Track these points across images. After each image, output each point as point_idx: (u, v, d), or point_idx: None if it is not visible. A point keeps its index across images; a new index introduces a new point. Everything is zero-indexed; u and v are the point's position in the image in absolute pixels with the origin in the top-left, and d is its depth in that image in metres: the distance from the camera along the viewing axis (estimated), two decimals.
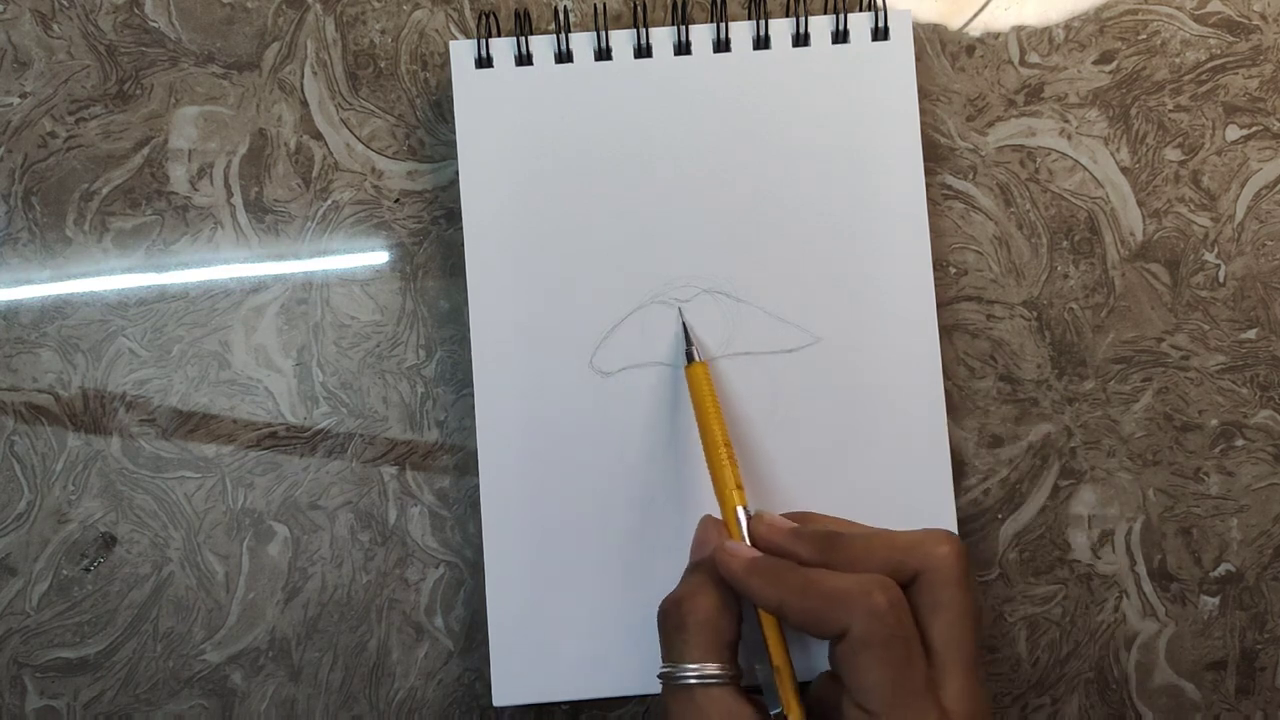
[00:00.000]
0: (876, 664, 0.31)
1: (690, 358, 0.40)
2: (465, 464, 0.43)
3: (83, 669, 0.43)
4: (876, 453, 0.41)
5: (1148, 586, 0.43)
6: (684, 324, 0.41)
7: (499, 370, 0.41)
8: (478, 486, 0.42)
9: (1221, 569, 0.43)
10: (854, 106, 0.42)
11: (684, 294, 0.42)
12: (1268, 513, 0.43)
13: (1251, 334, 0.44)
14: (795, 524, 0.36)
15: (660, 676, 0.35)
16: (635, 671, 0.41)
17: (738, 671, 0.34)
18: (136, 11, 0.44)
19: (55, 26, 0.44)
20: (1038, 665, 0.43)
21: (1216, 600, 0.43)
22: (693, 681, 0.34)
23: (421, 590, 0.43)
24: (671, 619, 0.35)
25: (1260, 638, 0.43)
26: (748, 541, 0.36)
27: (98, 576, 0.43)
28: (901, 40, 0.42)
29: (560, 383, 0.41)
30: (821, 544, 0.35)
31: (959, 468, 0.43)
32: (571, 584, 0.41)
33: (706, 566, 0.36)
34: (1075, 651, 0.43)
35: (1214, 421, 0.43)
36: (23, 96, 0.44)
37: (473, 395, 0.42)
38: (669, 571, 0.41)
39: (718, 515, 0.38)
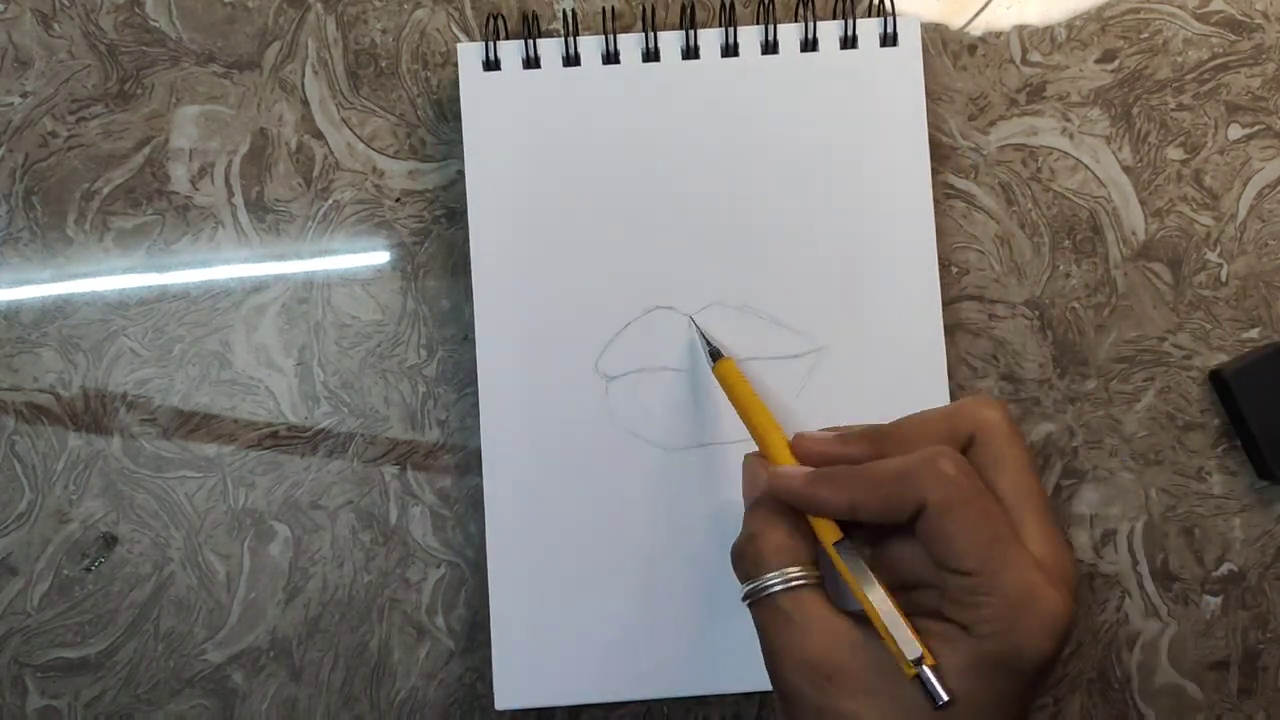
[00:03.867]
0: (963, 525, 0.31)
1: (716, 355, 0.40)
2: (466, 464, 0.43)
3: (84, 669, 0.43)
4: None
5: (1150, 586, 0.43)
6: (698, 328, 0.41)
7: (503, 372, 0.41)
8: (479, 486, 0.42)
9: (1224, 569, 0.43)
10: (861, 112, 0.42)
11: (691, 301, 0.42)
12: (1270, 512, 0.43)
13: (1254, 333, 0.43)
14: (836, 432, 0.36)
15: (745, 598, 0.34)
16: (639, 675, 0.41)
17: (821, 576, 0.34)
18: (137, 11, 0.44)
19: (56, 26, 0.44)
20: None
21: (1219, 600, 0.43)
22: (778, 588, 0.33)
23: (423, 590, 0.43)
24: (747, 555, 0.34)
25: (1263, 637, 0.43)
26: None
27: (99, 576, 0.43)
28: (910, 46, 0.42)
29: (565, 385, 0.41)
30: (870, 439, 0.34)
31: None
32: (574, 587, 0.41)
33: (766, 501, 0.35)
34: (1077, 651, 0.43)
35: (1216, 421, 0.43)
36: (24, 96, 0.44)
37: (474, 395, 0.42)
38: (672, 573, 0.41)
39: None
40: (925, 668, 0.30)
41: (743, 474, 0.37)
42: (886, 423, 0.35)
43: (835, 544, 0.34)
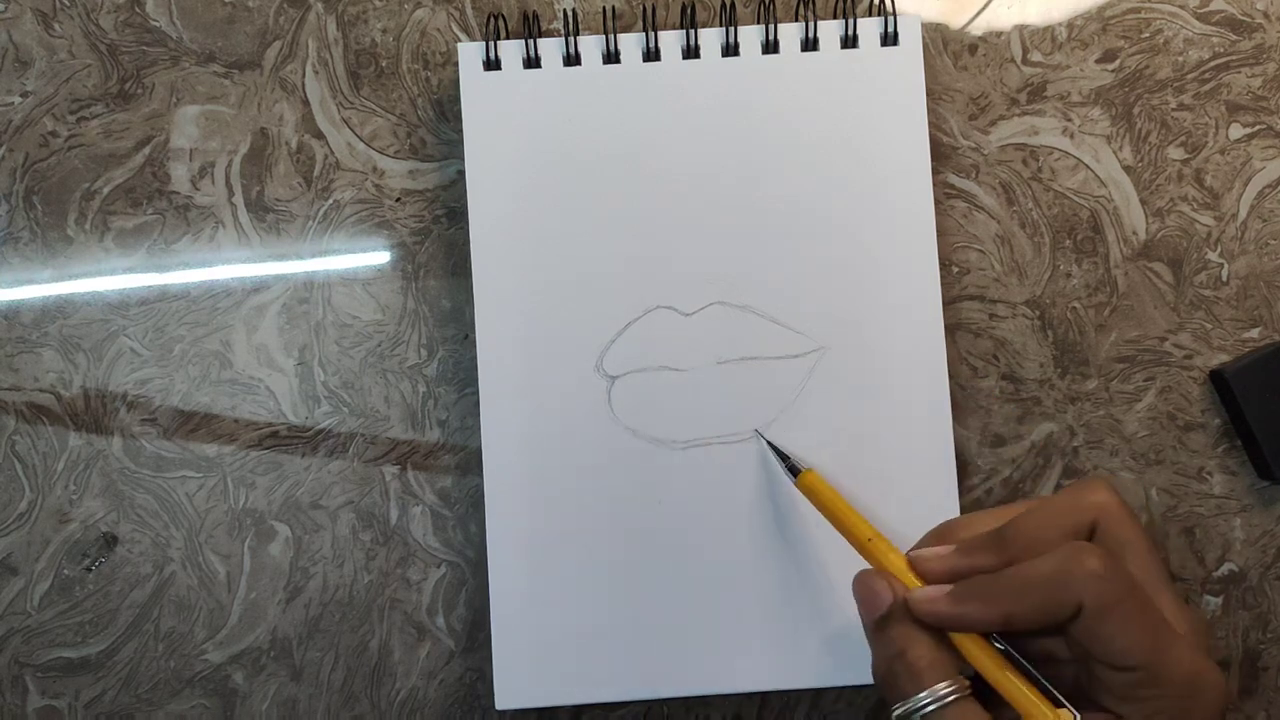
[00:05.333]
0: (1124, 624, 0.31)
1: (795, 471, 0.39)
2: (467, 463, 0.43)
3: (84, 669, 0.43)
4: (880, 454, 0.41)
5: None
6: (769, 444, 0.41)
7: (504, 371, 0.41)
8: (479, 486, 0.42)
9: (1224, 569, 0.43)
10: (862, 112, 0.42)
11: (691, 301, 0.42)
12: (1271, 512, 0.43)
13: (1255, 333, 0.43)
14: (950, 545, 0.35)
15: (898, 719, 0.34)
16: (639, 675, 0.41)
17: (971, 685, 0.33)
18: (138, 11, 0.44)
19: (56, 26, 0.44)
20: None
21: (1219, 600, 0.43)
22: (933, 708, 0.32)
23: (423, 590, 0.43)
24: (901, 675, 0.33)
25: (1263, 637, 0.43)
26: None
27: (99, 576, 0.43)
28: (910, 46, 0.42)
29: (565, 385, 0.41)
30: (995, 545, 0.33)
31: (962, 467, 0.43)
32: (574, 587, 0.41)
33: (900, 617, 0.34)
34: None
35: (1217, 421, 0.43)
36: (24, 96, 0.44)
37: (474, 395, 0.41)
38: (673, 574, 0.41)
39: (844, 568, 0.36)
40: None
41: (857, 592, 0.36)
42: (1002, 524, 0.34)
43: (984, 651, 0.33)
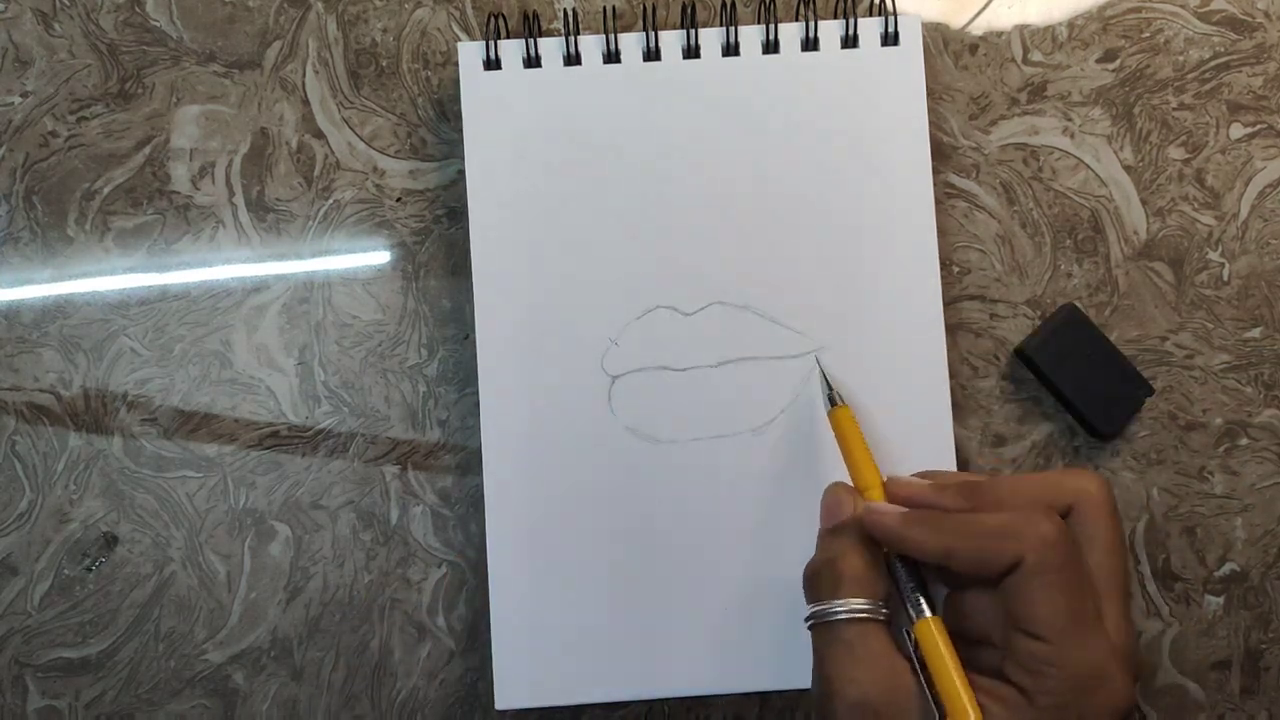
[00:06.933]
0: (1052, 592, 0.31)
1: (833, 401, 0.39)
2: (467, 463, 0.43)
3: (84, 669, 0.43)
4: (881, 453, 0.41)
5: (1152, 586, 0.43)
6: (822, 371, 0.41)
7: (503, 371, 0.41)
8: (480, 486, 0.42)
9: (1226, 568, 0.43)
10: (863, 112, 0.42)
11: (691, 301, 0.42)
12: (1272, 512, 0.43)
13: (1256, 333, 0.43)
14: (928, 482, 0.36)
15: (809, 619, 0.34)
16: (639, 675, 0.41)
17: (888, 615, 0.34)
18: (138, 10, 0.44)
19: (56, 25, 0.44)
20: None
21: (1221, 600, 0.43)
22: (842, 617, 0.33)
23: (423, 590, 0.43)
24: (824, 578, 0.34)
25: (1265, 637, 0.43)
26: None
27: (99, 576, 0.43)
28: (911, 46, 0.42)
29: (565, 384, 0.41)
30: (966, 492, 0.34)
31: (962, 467, 0.43)
32: (575, 587, 0.41)
33: (850, 529, 0.35)
34: None
35: (1218, 420, 0.43)
36: (24, 95, 0.44)
37: (475, 394, 0.41)
38: (673, 573, 0.41)
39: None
40: None
41: (824, 499, 0.37)
42: (983, 478, 0.35)
43: (909, 587, 0.34)
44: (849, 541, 0.35)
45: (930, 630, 0.33)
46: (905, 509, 0.34)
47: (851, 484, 0.37)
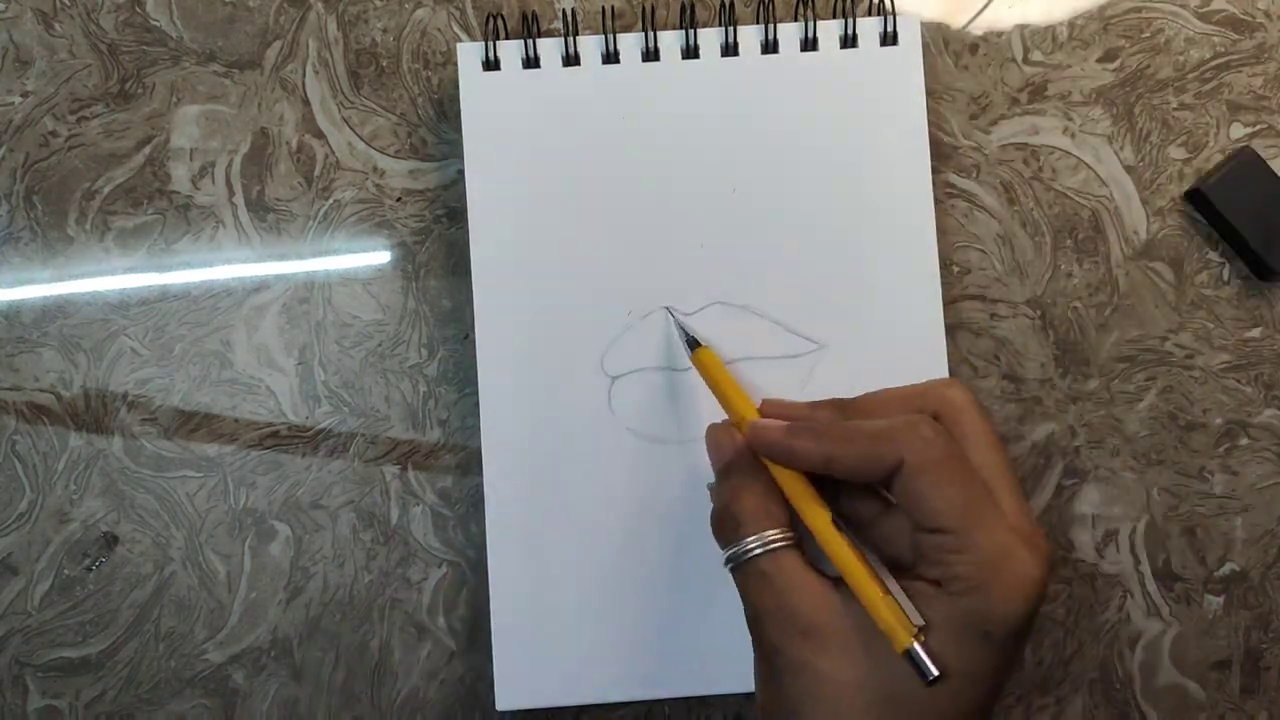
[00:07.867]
0: (941, 483, 0.31)
1: (694, 344, 0.40)
2: (467, 463, 0.43)
3: (84, 669, 0.43)
4: None
5: (1152, 586, 0.43)
6: (675, 320, 0.41)
7: (503, 371, 0.41)
8: (480, 486, 0.42)
9: (1226, 568, 0.43)
10: (862, 112, 0.42)
11: (691, 301, 0.42)
12: (1272, 512, 0.43)
13: (1256, 333, 0.43)
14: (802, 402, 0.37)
15: (727, 563, 0.35)
16: (640, 675, 0.41)
17: (799, 537, 0.34)
18: (138, 10, 0.44)
19: (57, 25, 0.44)
20: (1042, 665, 0.43)
21: (1221, 600, 0.43)
22: (758, 551, 0.34)
23: (424, 590, 0.43)
24: (727, 520, 0.35)
25: (1265, 637, 0.43)
26: None
27: (99, 576, 0.43)
28: (910, 46, 0.42)
29: (565, 384, 0.41)
30: (839, 406, 0.36)
31: None
32: (575, 587, 0.41)
33: (738, 464, 0.36)
34: (1079, 651, 0.43)
35: (1218, 420, 0.43)
36: (24, 95, 0.44)
37: (475, 394, 0.41)
38: (673, 573, 0.41)
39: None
40: (916, 645, 0.31)
41: (706, 442, 0.37)
42: (853, 396, 0.36)
43: (822, 513, 0.34)
44: (741, 479, 0.35)
45: (833, 534, 0.33)
46: (786, 422, 0.35)
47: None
